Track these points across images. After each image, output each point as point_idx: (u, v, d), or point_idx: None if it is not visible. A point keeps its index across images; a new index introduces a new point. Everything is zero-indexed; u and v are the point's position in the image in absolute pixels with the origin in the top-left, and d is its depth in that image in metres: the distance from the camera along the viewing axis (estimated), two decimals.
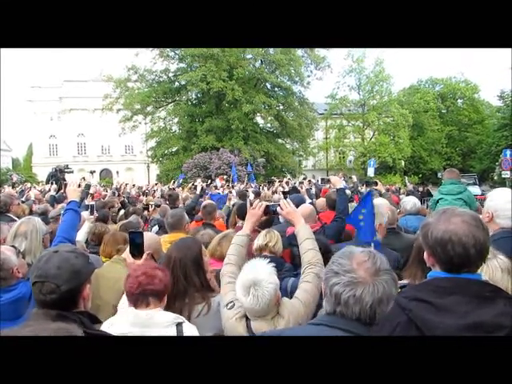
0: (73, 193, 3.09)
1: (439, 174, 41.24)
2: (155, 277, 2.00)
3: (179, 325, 1.95)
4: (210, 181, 17.01)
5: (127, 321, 1.94)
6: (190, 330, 1.99)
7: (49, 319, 1.54)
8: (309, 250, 2.43)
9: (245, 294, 2.01)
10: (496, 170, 25.97)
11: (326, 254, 2.95)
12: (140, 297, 1.97)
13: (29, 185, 15.60)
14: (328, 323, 1.37)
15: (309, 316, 2.19)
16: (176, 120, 35.27)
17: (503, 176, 19.66)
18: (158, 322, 1.92)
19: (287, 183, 9.53)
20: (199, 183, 9.00)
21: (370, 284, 1.32)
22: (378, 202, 3.72)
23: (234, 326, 2.14)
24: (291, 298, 2.29)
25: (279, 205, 2.77)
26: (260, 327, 2.07)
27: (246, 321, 2.12)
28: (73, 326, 1.23)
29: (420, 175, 43.21)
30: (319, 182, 15.91)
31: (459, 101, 50.53)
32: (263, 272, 2.05)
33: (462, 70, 78.47)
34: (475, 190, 21.31)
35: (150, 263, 2.30)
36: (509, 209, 2.56)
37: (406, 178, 27.42)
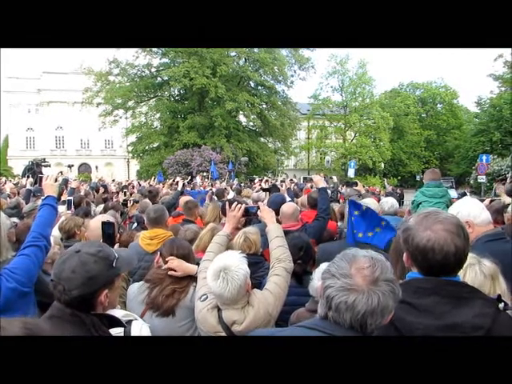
0: (50, 188, 2.93)
1: (417, 177, 42.07)
2: None
3: (128, 323, 1.88)
4: (190, 177, 16.89)
5: None
6: (138, 328, 1.91)
7: (64, 315, 1.54)
8: (278, 246, 2.56)
9: (215, 278, 2.06)
10: (472, 175, 26.57)
11: (308, 251, 3.02)
12: None
13: (4, 179, 15.15)
14: (322, 329, 1.31)
15: (279, 307, 2.27)
16: (158, 116, 34.87)
17: (479, 180, 20.13)
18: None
19: (267, 182, 9.55)
20: (180, 180, 8.91)
21: (365, 292, 1.25)
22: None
23: (205, 317, 2.20)
24: None
25: (258, 207, 2.96)
26: (231, 316, 2.12)
27: (217, 311, 2.18)
28: (36, 322, 1.16)
29: (399, 177, 43.92)
30: (301, 182, 16.02)
31: (438, 106, 51.65)
32: (233, 259, 2.14)
33: (442, 76, 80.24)
34: (452, 193, 21.68)
35: None
36: (478, 207, 2.63)
37: (386, 180, 27.80)
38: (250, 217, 3.13)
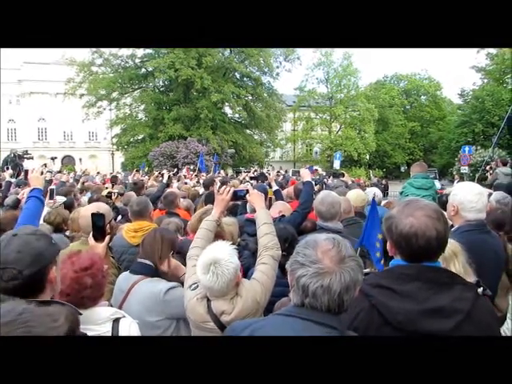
0: (36, 180, 2.92)
1: (402, 168, 42.46)
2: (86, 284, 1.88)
3: (116, 321, 1.89)
4: (176, 170, 16.77)
5: None
6: (127, 326, 1.91)
7: None
8: (266, 234, 2.50)
9: (204, 271, 2.04)
10: (455, 166, 26.93)
11: (293, 243, 3.03)
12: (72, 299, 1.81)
13: None
14: (299, 315, 1.35)
15: (267, 295, 2.26)
16: (142, 107, 34.41)
17: (462, 171, 20.45)
18: (91, 319, 1.85)
19: (255, 171, 9.60)
20: (166, 172, 8.85)
21: (337, 272, 1.31)
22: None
23: (194, 306, 2.19)
24: None
25: (247, 190, 2.87)
26: (220, 306, 2.12)
27: (207, 301, 2.16)
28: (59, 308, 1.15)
29: (384, 169, 44.31)
30: (290, 174, 16.06)
31: (422, 97, 52.12)
32: (223, 252, 2.10)
33: (426, 67, 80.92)
34: (436, 184, 22.04)
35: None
36: (474, 201, 2.63)
37: (371, 171, 28.03)
38: (238, 200, 3.07)
